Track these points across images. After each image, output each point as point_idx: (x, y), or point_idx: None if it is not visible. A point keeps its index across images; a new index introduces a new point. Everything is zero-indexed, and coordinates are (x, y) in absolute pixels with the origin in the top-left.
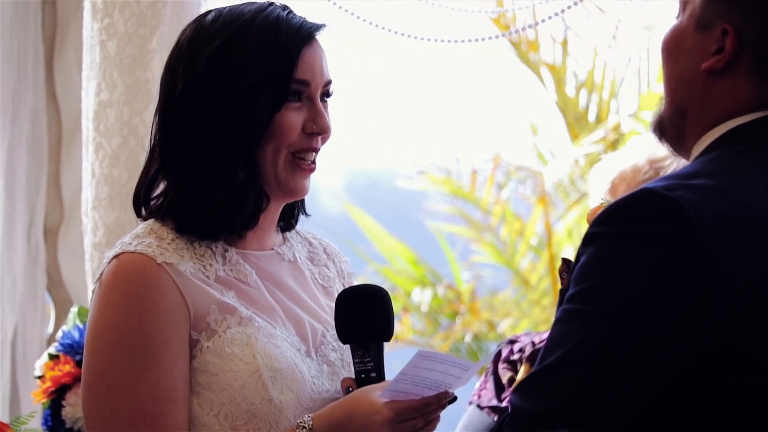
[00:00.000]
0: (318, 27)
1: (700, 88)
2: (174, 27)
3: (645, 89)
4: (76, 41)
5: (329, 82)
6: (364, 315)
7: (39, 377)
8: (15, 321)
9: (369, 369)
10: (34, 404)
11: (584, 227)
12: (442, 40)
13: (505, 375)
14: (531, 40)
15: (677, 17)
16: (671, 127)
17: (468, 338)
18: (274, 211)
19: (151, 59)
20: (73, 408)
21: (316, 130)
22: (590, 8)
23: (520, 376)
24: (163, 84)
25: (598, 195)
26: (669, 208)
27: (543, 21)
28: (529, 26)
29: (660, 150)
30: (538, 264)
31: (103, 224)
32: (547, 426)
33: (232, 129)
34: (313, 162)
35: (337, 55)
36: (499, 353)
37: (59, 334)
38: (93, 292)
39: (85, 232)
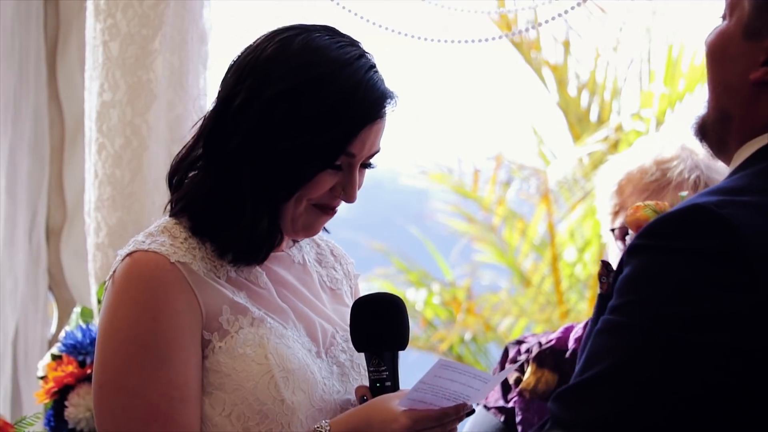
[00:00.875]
0: (391, 101)
1: (747, 97)
2: (176, 27)
3: (646, 89)
4: (79, 42)
5: (377, 152)
6: (379, 323)
7: (42, 378)
8: (16, 321)
9: (384, 378)
10: (37, 405)
11: (587, 227)
12: (445, 41)
13: (511, 375)
14: (532, 41)
15: (722, 18)
16: (713, 131)
17: (467, 337)
18: None
19: (154, 60)
20: (75, 408)
21: (343, 197)
22: (592, 9)
23: (526, 377)
24: (228, 79)
25: (605, 197)
26: (718, 226)
27: (546, 22)
28: (531, 27)
29: (666, 151)
30: (540, 264)
31: (105, 225)
32: None
33: (270, 177)
34: (335, 208)
35: None
36: (506, 354)
37: (62, 334)
38: (105, 289)
39: (88, 232)
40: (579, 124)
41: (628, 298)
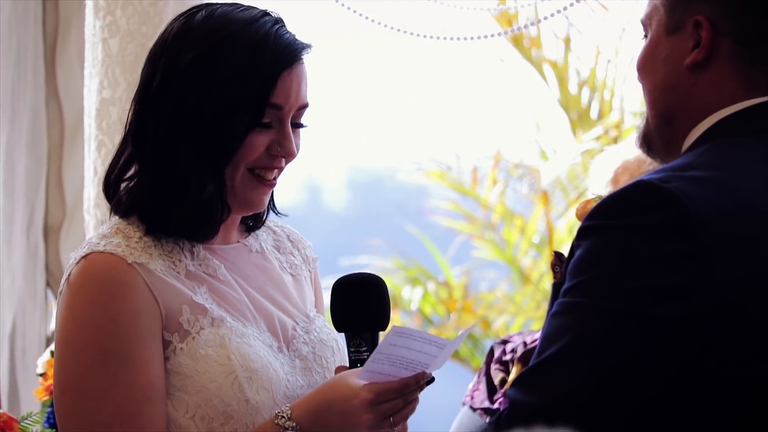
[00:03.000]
0: (303, 48)
1: (685, 87)
2: None
3: None
4: (78, 39)
5: (305, 106)
6: (360, 304)
7: (41, 375)
8: (14, 318)
9: (365, 359)
10: (36, 402)
11: None
12: (445, 38)
13: (497, 376)
14: (533, 38)
15: (644, 38)
16: (658, 137)
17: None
18: None
19: None
20: None
21: (281, 154)
22: (593, 6)
23: (511, 377)
24: (144, 70)
25: (600, 185)
26: (665, 200)
27: (546, 18)
28: (531, 24)
29: None
30: (539, 262)
31: (105, 222)
32: (547, 418)
33: (204, 142)
34: (275, 179)
35: (339, 53)
36: (491, 353)
37: None
38: (60, 293)
39: (87, 229)
40: (580, 120)
41: (580, 278)
